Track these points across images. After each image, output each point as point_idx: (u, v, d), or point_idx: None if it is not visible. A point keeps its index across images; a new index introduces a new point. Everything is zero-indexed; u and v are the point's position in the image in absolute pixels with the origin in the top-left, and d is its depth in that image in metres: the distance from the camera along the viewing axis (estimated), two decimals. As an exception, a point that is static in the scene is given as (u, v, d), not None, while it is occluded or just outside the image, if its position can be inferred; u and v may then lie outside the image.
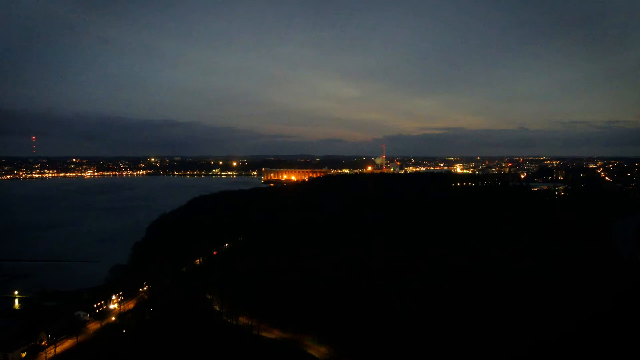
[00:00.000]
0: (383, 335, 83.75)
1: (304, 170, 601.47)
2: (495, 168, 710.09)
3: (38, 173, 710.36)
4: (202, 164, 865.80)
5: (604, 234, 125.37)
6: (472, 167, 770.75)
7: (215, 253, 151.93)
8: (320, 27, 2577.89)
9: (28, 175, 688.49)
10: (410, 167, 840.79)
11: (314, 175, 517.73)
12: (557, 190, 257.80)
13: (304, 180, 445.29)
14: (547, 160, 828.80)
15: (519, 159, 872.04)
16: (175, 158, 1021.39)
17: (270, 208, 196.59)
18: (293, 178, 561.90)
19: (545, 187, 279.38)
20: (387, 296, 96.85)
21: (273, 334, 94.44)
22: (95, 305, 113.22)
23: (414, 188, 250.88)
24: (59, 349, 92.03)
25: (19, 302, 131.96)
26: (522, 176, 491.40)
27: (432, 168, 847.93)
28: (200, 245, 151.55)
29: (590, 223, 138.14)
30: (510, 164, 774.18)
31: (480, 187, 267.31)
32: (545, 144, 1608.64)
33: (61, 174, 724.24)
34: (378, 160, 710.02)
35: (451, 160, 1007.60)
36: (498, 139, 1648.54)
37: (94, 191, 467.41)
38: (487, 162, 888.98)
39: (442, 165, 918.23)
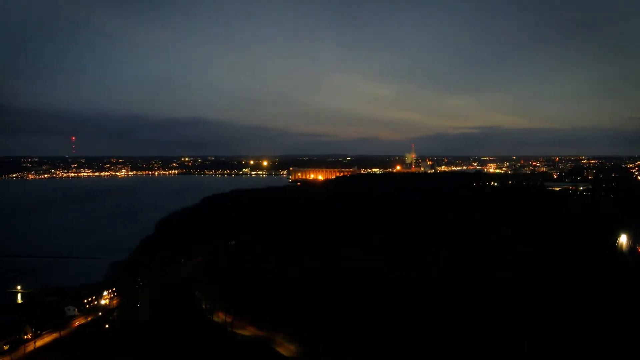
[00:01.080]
0: (358, 335, 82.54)
1: (331, 170, 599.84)
2: (528, 168, 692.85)
3: (74, 172, 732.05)
4: (234, 164, 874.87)
5: (599, 235, 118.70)
6: (505, 167, 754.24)
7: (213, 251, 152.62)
8: (351, 29, 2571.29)
9: (64, 175, 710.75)
10: (442, 167, 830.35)
11: (340, 174, 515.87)
12: (579, 191, 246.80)
13: (328, 179, 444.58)
14: (584, 159, 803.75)
15: (555, 159, 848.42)
16: (209, 157, 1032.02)
17: (276, 207, 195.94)
18: (320, 177, 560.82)
19: (567, 187, 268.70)
20: (368, 296, 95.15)
21: (248, 331, 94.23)
22: (85, 301, 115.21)
23: (429, 188, 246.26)
24: (39, 343, 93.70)
25: (22, 297, 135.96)
26: (555, 176, 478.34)
27: (465, 167, 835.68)
28: (201, 243, 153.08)
29: (588, 222, 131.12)
30: (534, 163, 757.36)
31: (484, 187, 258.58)
32: (591, 142, 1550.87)
33: (96, 173, 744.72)
34: (407, 159, 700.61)
35: (486, 159, 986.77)
36: (538, 138, 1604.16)
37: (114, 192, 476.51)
38: (522, 162, 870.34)
39: (475, 164, 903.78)
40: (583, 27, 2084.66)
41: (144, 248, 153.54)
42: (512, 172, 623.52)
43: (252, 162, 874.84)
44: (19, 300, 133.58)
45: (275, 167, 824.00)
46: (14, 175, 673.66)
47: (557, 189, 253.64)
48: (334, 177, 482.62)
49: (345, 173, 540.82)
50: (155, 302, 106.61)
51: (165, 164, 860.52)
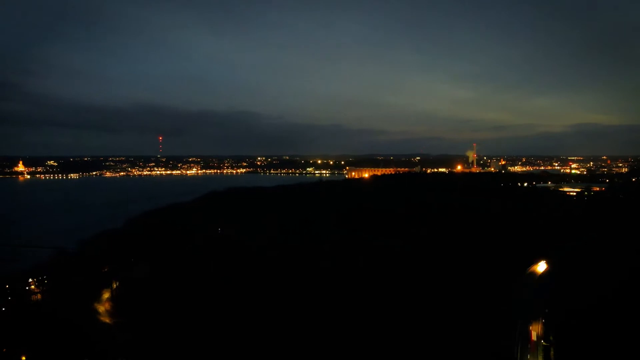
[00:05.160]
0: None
1: (386, 169, 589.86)
2: (605, 169, 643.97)
3: (148, 171, 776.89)
4: (301, 163, 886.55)
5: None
6: (581, 168, 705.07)
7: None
8: (427, 34, 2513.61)
9: (138, 173, 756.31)
10: (517, 167, 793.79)
11: (393, 172, 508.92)
12: (584, 194, 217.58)
13: (369, 177, 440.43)
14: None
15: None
16: (283, 157, 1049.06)
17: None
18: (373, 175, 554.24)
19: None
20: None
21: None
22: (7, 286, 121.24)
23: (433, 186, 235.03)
24: None
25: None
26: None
27: (542, 168, 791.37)
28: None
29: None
30: (619, 163, 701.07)
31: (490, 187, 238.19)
32: None
33: (168, 172, 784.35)
34: (469, 159, 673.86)
35: (573, 159, 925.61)
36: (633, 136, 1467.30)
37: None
38: (609, 162, 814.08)
39: (556, 164, 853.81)
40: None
41: (96, 240, 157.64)
42: (587, 173, 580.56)
43: (319, 162, 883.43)
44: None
45: (340, 166, 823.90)
46: (94, 172, 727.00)
47: (577, 189, 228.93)
48: (378, 175, 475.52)
49: (400, 171, 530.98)
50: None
51: (235, 162, 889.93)
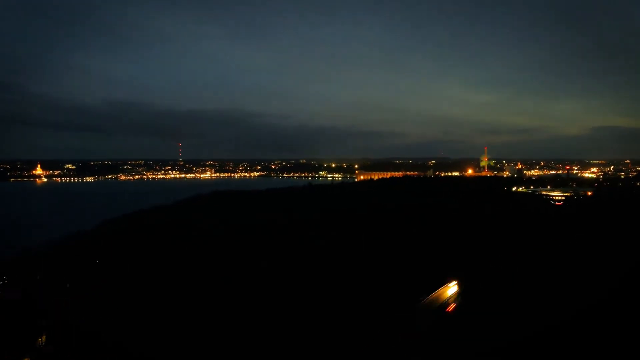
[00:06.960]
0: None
1: (394, 172, 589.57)
2: (623, 173, 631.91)
3: (162, 174, 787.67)
4: (315, 166, 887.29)
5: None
6: (599, 172, 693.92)
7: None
8: (444, 41, 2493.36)
9: (153, 176, 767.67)
10: (534, 171, 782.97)
11: (399, 175, 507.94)
12: (557, 199, 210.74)
13: (371, 180, 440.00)
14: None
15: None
16: (300, 160, 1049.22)
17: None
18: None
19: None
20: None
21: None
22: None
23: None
24: None
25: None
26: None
27: (560, 172, 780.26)
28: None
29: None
30: (603, 169, 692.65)
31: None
32: None
33: (182, 175, 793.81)
34: (482, 163, 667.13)
35: (595, 163, 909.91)
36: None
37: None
38: (629, 165, 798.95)
39: (575, 169, 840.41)
40: None
41: (64, 241, 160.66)
42: (603, 177, 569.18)
43: (333, 165, 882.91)
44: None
45: (354, 170, 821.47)
46: (109, 176, 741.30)
47: (567, 194, 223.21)
48: (374, 179, 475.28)
49: (409, 174, 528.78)
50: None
51: (250, 166, 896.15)
